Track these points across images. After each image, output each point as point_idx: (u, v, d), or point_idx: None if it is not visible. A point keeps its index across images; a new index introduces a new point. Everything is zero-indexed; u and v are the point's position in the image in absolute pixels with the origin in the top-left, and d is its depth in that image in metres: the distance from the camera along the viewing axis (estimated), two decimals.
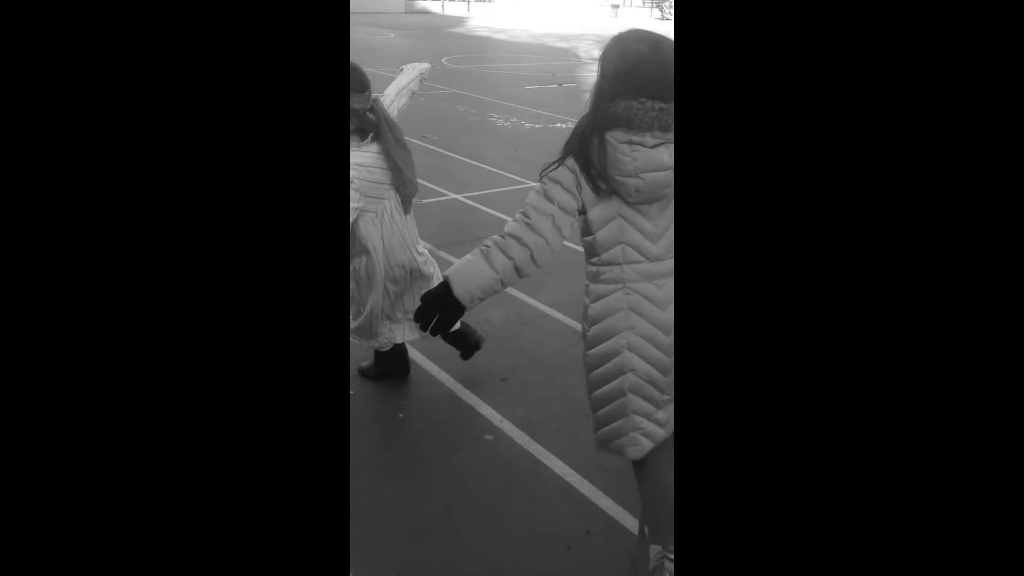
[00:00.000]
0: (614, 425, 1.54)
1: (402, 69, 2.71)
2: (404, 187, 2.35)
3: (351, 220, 2.22)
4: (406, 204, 2.39)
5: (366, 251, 2.36)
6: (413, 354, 2.86)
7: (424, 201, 4.82)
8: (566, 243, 1.52)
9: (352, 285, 2.44)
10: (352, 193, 2.18)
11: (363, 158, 2.25)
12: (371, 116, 2.25)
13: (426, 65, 2.74)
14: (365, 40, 15.97)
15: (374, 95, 2.32)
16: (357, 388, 2.63)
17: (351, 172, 2.20)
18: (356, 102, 2.18)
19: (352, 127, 2.23)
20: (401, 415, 2.50)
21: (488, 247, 1.46)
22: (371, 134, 2.28)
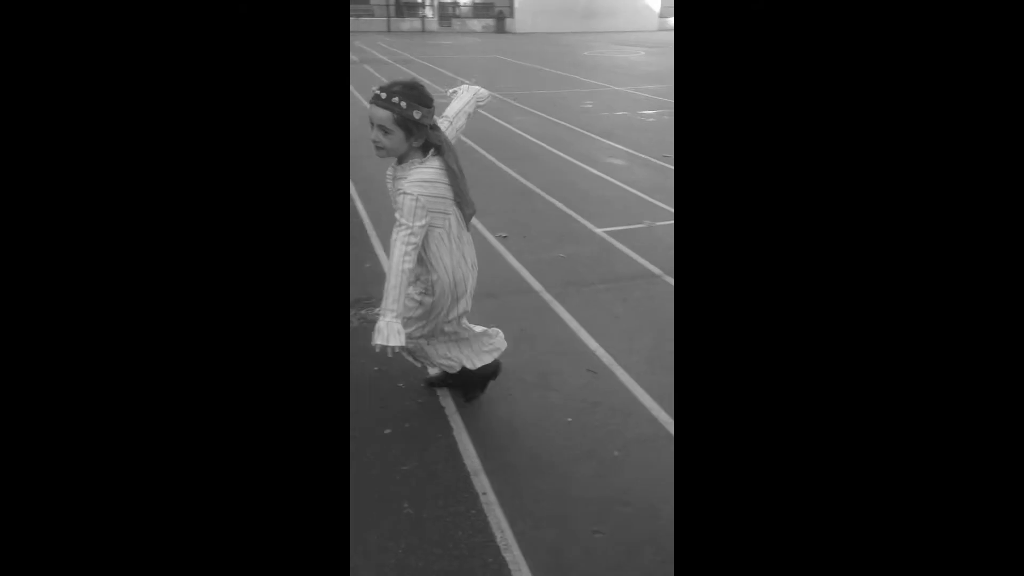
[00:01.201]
0: None
1: (456, 91, 2.63)
2: (465, 204, 2.28)
3: (418, 238, 2.12)
4: (467, 221, 2.32)
5: (435, 270, 2.28)
6: (635, 390, 2.75)
7: (657, 224, 4.68)
8: None
9: (417, 302, 2.36)
10: (418, 210, 2.10)
11: (427, 174, 2.18)
12: (434, 132, 2.19)
13: (484, 92, 2.64)
14: (615, 59, 16.14)
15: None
16: (575, 417, 2.59)
17: (416, 188, 2.12)
18: (424, 117, 2.13)
19: (416, 143, 2.17)
20: (617, 453, 2.40)
21: None
22: (432, 149, 2.21)
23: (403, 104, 2.07)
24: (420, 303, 2.35)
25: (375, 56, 16.73)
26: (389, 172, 2.29)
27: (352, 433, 2.40)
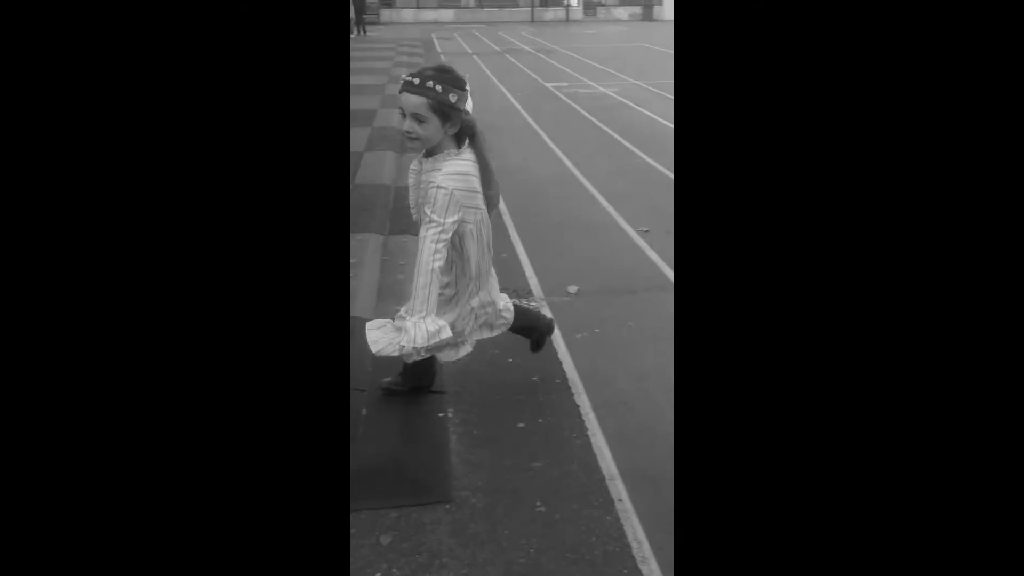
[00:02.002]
0: None
1: None
2: (493, 193, 2.13)
3: (448, 235, 1.97)
4: (491, 209, 2.17)
5: (460, 264, 2.14)
6: None
7: None
8: None
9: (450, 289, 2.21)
10: (451, 206, 1.95)
11: (461, 166, 2.01)
12: (468, 116, 2.01)
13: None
14: None
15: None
16: None
17: (451, 183, 1.95)
18: (459, 101, 1.95)
19: (452, 130, 2.00)
20: None
21: None
22: (467, 139, 2.04)
23: (438, 88, 1.92)
24: (443, 294, 2.23)
25: (517, 46, 16.87)
26: (414, 166, 2.15)
27: (484, 425, 2.39)
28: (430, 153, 2.06)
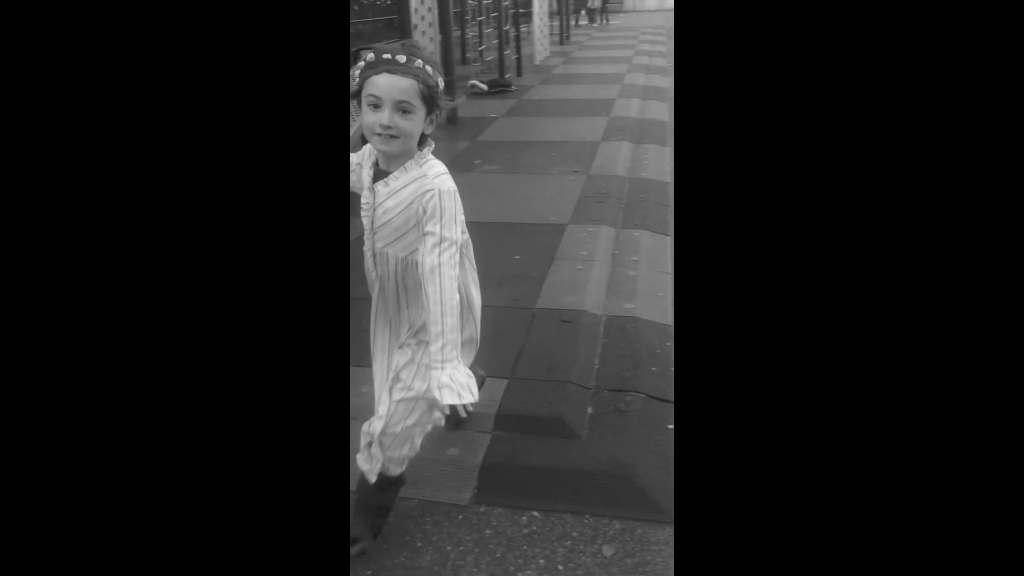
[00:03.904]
0: None
1: None
2: None
3: (458, 256, 1.53)
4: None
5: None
6: None
7: None
8: None
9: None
10: (459, 215, 1.53)
11: (442, 166, 1.56)
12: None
13: None
14: None
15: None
16: None
17: (452, 184, 1.53)
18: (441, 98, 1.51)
19: (429, 129, 1.54)
20: None
21: None
22: (427, 145, 1.59)
23: (428, 68, 1.44)
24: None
25: None
26: (366, 197, 1.60)
27: None
28: (386, 170, 1.56)
